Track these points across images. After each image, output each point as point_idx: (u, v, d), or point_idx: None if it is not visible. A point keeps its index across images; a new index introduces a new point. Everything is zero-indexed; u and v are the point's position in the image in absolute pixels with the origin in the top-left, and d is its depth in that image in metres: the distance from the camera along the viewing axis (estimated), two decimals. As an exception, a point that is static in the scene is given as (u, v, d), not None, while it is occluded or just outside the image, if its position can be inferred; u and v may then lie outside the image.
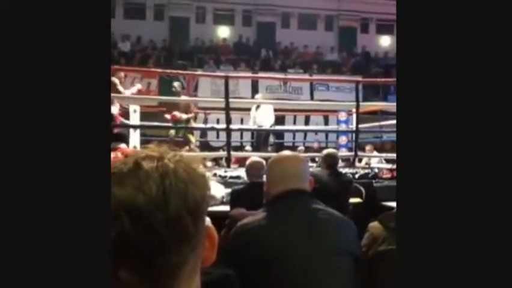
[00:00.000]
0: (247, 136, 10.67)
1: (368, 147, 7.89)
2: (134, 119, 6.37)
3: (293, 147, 9.69)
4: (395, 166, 5.62)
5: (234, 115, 6.24)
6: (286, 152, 1.84)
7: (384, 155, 6.43)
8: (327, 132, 11.88)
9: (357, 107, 5.56)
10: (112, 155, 4.16)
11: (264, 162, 3.76)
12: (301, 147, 10.17)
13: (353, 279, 1.53)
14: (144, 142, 6.48)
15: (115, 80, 5.94)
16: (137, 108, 6.50)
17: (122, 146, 4.56)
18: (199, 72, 12.52)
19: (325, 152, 4.37)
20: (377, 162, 6.81)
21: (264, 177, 3.51)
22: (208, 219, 0.69)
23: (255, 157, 3.93)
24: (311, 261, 1.46)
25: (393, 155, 5.96)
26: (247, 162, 3.79)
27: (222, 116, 7.04)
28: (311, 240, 1.51)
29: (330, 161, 4.14)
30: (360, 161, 6.05)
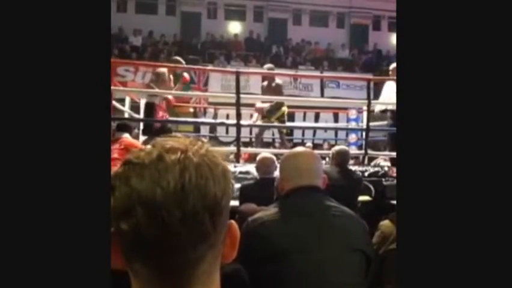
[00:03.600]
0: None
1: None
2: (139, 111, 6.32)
3: (302, 144, 9.67)
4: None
5: (244, 111, 6.21)
6: (300, 148, 1.84)
7: (394, 153, 6.39)
8: (336, 130, 11.85)
9: (369, 104, 5.53)
10: (115, 145, 4.16)
11: (274, 158, 3.77)
12: (309, 144, 10.15)
13: (364, 277, 1.54)
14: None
15: (165, 72, 5.90)
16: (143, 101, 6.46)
17: (125, 136, 4.51)
18: (210, 67, 12.53)
19: (335, 149, 4.35)
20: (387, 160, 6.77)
21: (274, 173, 3.54)
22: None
23: (265, 153, 3.94)
24: (323, 257, 1.47)
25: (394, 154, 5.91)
26: (258, 158, 3.80)
27: (231, 111, 7.03)
28: (323, 236, 1.51)
29: (340, 159, 4.12)
30: (370, 160, 5.99)
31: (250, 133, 8.25)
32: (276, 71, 12.64)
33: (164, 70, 5.90)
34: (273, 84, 6.37)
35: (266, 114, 6.36)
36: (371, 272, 1.62)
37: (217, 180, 0.62)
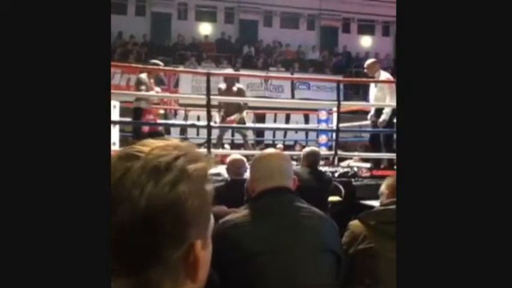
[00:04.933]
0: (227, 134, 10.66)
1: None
2: (114, 114, 6.29)
3: (273, 146, 9.70)
4: (374, 165, 5.68)
5: (215, 112, 6.22)
6: (270, 150, 1.85)
7: (363, 154, 6.48)
8: (307, 131, 11.94)
9: (338, 106, 5.59)
10: None
11: (244, 159, 3.77)
12: (280, 145, 10.20)
13: (335, 277, 1.55)
14: (123, 138, 6.42)
15: (145, 78, 5.87)
16: (117, 104, 6.43)
17: None
18: (181, 68, 12.45)
19: (306, 150, 4.38)
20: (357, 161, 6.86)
21: (245, 175, 3.54)
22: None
23: (236, 155, 3.94)
24: (294, 258, 1.48)
25: (372, 155, 6.01)
26: (228, 159, 3.79)
27: (202, 113, 7.00)
28: (294, 237, 1.52)
29: (311, 160, 4.15)
30: (340, 160, 6.05)
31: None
32: (247, 72, 12.77)
33: (143, 75, 5.90)
34: (234, 89, 6.35)
35: (224, 115, 6.39)
36: (342, 272, 1.63)
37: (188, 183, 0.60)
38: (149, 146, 0.62)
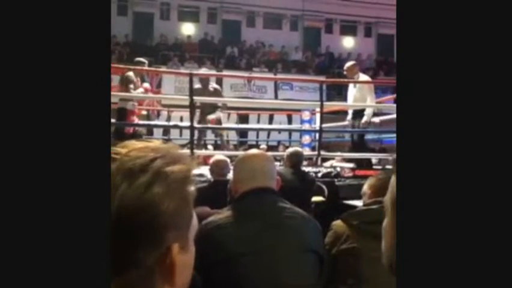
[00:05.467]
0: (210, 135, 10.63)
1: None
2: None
3: (256, 146, 9.71)
4: (356, 166, 5.72)
5: (198, 113, 6.23)
6: (254, 151, 1.85)
7: (346, 154, 6.52)
8: (290, 131, 11.96)
9: (321, 106, 5.61)
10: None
11: (228, 160, 3.76)
12: (264, 146, 10.21)
13: (317, 277, 1.55)
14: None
15: (133, 76, 5.82)
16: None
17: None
18: (163, 69, 12.38)
19: (289, 150, 4.39)
20: (339, 161, 6.91)
21: (228, 176, 3.53)
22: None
23: (219, 155, 3.93)
24: (277, 258, 1.48)
25: (355, 155, 6.05)
26: (211, 160, 3.78)
27: (185, 113, 6.97)
28: (277, 238, 1.52)
29: (294, 160, 4.16)
30: (323, 161, 6.09)
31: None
32: (231, 73, 12.76)
33: (130, 73, 5.84)
34: (211, 89, 6.35)
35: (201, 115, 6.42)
36: (324, 273, 1.64)
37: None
38: (127, 147, 0.62)
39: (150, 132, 10.50)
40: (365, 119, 5.83)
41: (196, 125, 5.56)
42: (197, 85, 6.34)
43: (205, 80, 6.37)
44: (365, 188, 2.11)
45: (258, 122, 12.26)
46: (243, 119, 11.41)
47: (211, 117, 6.35)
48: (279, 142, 11.72)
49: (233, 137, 10.76)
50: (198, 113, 6.38)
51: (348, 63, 6.29)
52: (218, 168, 3.59)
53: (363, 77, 6.07)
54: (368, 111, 5.85)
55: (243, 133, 11.47)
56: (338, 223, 1.93)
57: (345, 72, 6.21)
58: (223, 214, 1.58)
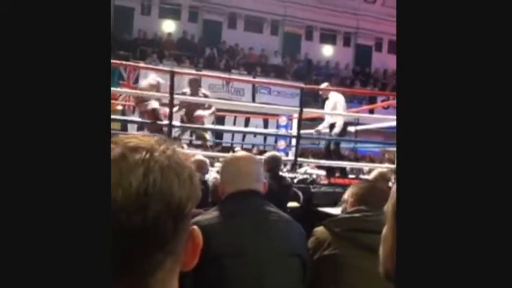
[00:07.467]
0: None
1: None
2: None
3: (231, 148, 9.69)
4: (328, 173, 5.79)
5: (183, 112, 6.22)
6: (241, 152, 1.85)
7: (322, 161, 6.56)
8: (265, 136, 11.98)
9: (300, 112, 5.63)
10: None
11: (207, 160, 3.75)
12: (238, 149, 10.19)
13: (301, 281, 1.56)
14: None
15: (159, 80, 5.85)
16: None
17: None
18: (142, 64, 12.22)
19: (268, 155, 4.40)
20: (314, 168, 6.97)
21: (206, 176, 3.52)
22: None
23: (198, 156, 3.91)
24: (262, 261, 1.48)
25: (332, 163, 6.11)
26: (191, 160, 3.76)
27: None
28: (263, 240, 1.52)
29: (272, 164, 4.17)
30: (300, 166, 6.15)
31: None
32: (209, 73, 12.69)
33: None
34: (201, 95, 6.39)
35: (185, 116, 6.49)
36: (307, 277, 1.65)
37: (183, 184, 0.58)
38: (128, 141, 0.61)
39: (124, 128, 10.36)
40: (335, 130, 6.23)
41: (175, 123, 5.51)
42: (186, 89, 6.35)
43: (194, 84, 6.35)
44: (347, 195, 2.12)
45: (234, 124, 12.23)
46: (219, 120, 11.36)
47: (200, 113, 6.36)
48: (253, 145, 11.72)
49: (209, 138, 10.71)
50: (182, 112, 6.38)
51: (323, 85, 6.92)
52: (198, 168, 3.58)
53: (336, 95, 6.50)
54: (339, 123, 6.25)
55: (218, 134, 11.43)
56: (320, 229, 1.94)
57: (320, 92, 6.84)
58: (210, 215, 1.58)
